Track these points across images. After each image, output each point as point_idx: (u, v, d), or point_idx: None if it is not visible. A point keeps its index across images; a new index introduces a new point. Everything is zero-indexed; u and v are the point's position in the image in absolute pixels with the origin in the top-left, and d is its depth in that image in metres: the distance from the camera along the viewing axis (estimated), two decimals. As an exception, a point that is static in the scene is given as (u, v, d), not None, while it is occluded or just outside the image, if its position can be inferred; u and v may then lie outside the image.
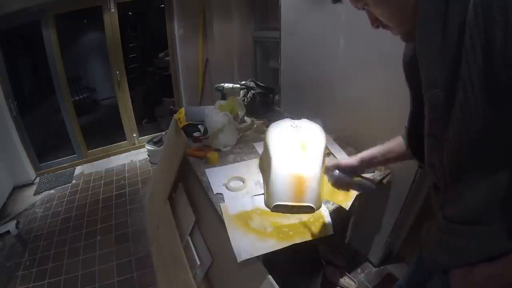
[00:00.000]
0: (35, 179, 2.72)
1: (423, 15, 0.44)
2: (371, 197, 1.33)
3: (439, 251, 0.55)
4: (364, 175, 0.95)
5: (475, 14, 0.36)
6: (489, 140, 0.42)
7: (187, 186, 1.46)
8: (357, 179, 0.84)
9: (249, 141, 1.54)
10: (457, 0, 0.38)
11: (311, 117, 1.26)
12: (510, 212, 0.44)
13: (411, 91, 0.61)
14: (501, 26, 0.34)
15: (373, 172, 1.22)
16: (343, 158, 1.30)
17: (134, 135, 3.20)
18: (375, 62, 1.22)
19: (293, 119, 1.23)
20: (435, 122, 0.48)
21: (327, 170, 0.87)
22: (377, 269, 1.56)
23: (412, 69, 0.56)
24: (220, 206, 1.06)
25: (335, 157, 1.32)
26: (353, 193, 1.08)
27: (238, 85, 1.88)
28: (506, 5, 0.34)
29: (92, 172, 2.82)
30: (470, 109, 0.40)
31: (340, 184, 0.86)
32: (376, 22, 0.55)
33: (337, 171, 0.84)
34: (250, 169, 1.28)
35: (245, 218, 1.00)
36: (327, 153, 1.32)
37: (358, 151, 1.36)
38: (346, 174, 0.83)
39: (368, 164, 0.85)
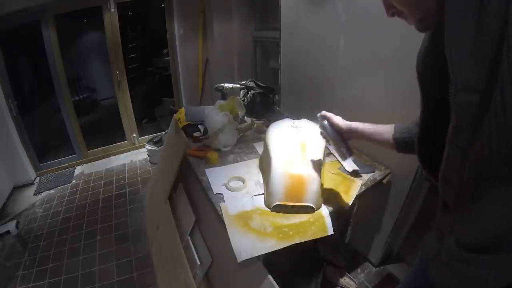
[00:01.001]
0: (35, 179, 2.72)
1: (452, 7, 0.39)
2: (371, 197, 1.33)
3: (450, 277, 0.52)
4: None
5: None
6: None
7: (187, 186, 1.46)
8: (338, 141, 0.91)
9: (249, 141, 1.54)
10: None
11: (311, 117, 1.26)
12: None
13: (422, 91, 0.55)
14: None
15: (373, 172, 1.22)
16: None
17: (134, 135, 3.20)
18: (375, 62, 1.22)
19: (293, 119, 1.23)
20: (462, 129, 0.42)
21: (320, 117, 0.94)
22: (377, 269, 1.56)
23: (426, 66, 0.53)
24: (220, 206, 1.06)
25: (335, 156, 1.32)
26: (353, 193, 1.09)
27: (238, 85, 1.88)
28: None
29: (92, 172, 2.82)
30: (506, 116, 0.35)
31: (323, 134, 0.94)
32: (391, 9, 0.52)
33: (326, 121, 0.91)
34: (250, 169, 1.28)
35: (245, 218, 1.00)
36: (327, 153, 1.32)
37: (358, 150, 1.37)
38: (332, 129, 0.90)
39: (354, 135, 0.89)
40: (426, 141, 0.57)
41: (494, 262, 0.44)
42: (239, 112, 1.60)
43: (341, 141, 0.90)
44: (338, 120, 0.90)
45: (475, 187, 0.44)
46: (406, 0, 0.48)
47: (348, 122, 0.89)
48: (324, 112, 0.93)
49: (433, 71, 0.46)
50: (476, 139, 0.40)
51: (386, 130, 0.82)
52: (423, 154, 0.60)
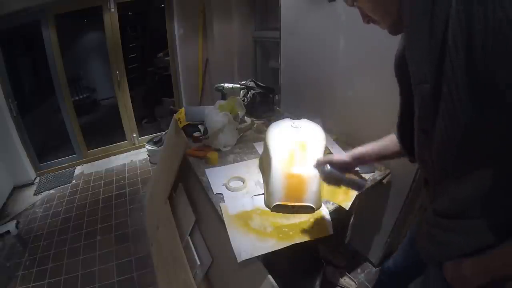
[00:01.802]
0: (35, 179, 2.72)
1: (410, 13, 0.45)
2: (371, 197, 1.33)
3: (429, 243, 0.58)
4: (360, 173, 0.93)
5: (457, 9, 0.37)
6: (474, 137, 0.43)
7: (187, 186, 1.46)
8: (348, 176, 0.81)
9: (249, 141, 1.54)
10: None
11: (311, 117, 1.26)
12: (494, 207, 0.46)
13: (400, 87, 0.63)
14: (480, 21, 0.35)
15: (373, 172, 1.22)
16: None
17: (134, 135, 3.20)
18: (375, 62, 1.22)
19: (293, 119, 1.23)
20: (424, 117, 0.50)
21: (318, 164, 0.84)
22: (377, 269, 1.56)
23: (401, 65, 0.58)
24: (220, 206, 1.06)
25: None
26: (353, 193, 1.08)
27: (238, 85, 1.88)
28: (486, 0, 0.34)
29: (92, 172, 2.82)
30: (454, 103, 0.42)
31: (330, 179, 0.82)
32: (366, 18, 0.58)
33: (328, 166, 0.81)
34: (250, 169, 1.28)
35: (245, 218, 1.00)
36: (327, 153, 1.32)
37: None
38: (337, 169, 0.81)
39: (361, 161, 0.82)
40: (406, 128, 0.65)
41: (462, 227, 0.50)
42: (239, 112, 1.60)
43: (350, 175, 0.82)
44: (338, 157, 0.83)
45: (445, 166, 0.50)
46: (376, 9, 0.55)
47: (349, 153, 0.83)
48: (318, 159, 0.85)
49: (407, 69, 0.52)
50: (436, 126, 0.47)
51: (388, 142, 0.79)
52: (403, 139, 0.69)
